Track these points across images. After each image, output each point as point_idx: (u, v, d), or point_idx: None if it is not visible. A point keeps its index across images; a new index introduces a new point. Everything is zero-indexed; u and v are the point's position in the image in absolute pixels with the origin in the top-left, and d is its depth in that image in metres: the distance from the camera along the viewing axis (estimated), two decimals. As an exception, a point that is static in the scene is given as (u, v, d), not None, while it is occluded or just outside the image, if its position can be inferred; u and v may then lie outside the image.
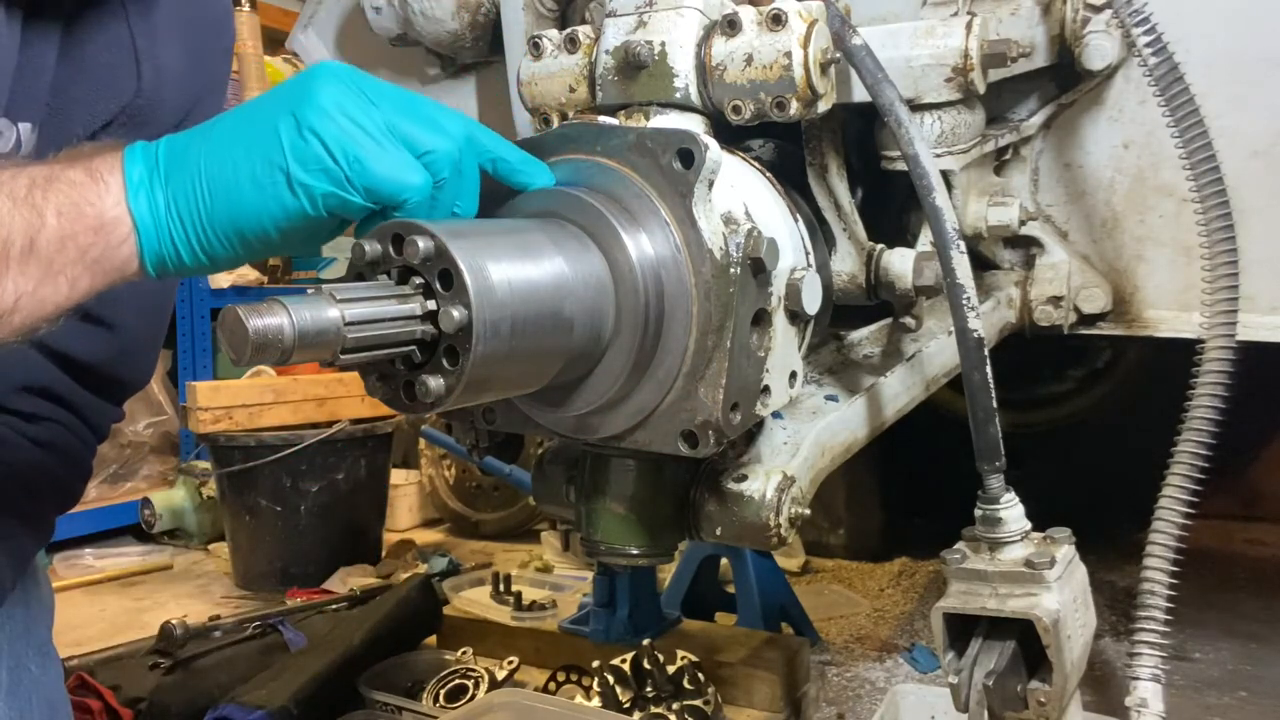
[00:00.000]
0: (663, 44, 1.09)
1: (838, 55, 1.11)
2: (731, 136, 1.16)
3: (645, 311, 0.88)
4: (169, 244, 0.85)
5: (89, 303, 1.19)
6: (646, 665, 1.70)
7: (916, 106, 1.29)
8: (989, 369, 1.12)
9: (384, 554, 2.99)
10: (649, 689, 1.71)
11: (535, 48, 1.22)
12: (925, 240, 1.33)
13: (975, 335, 1.11)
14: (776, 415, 1.11)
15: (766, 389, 0.96)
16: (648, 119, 1.10)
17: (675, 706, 1.68)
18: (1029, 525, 1.13)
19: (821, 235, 1.25)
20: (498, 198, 0.95)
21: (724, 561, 2.21)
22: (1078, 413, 2.95)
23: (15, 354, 1.14)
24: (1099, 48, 1.46)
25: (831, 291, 1.26)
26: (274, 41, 3.93)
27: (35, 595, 1.33)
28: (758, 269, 0.90)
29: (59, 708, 1.34)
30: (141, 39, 1.17)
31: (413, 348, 0.77)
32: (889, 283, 1.26)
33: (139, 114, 1.18)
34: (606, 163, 0.91)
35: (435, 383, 0.76)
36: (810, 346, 1.10)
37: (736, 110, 1.10)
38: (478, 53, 1.83)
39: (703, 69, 1.09)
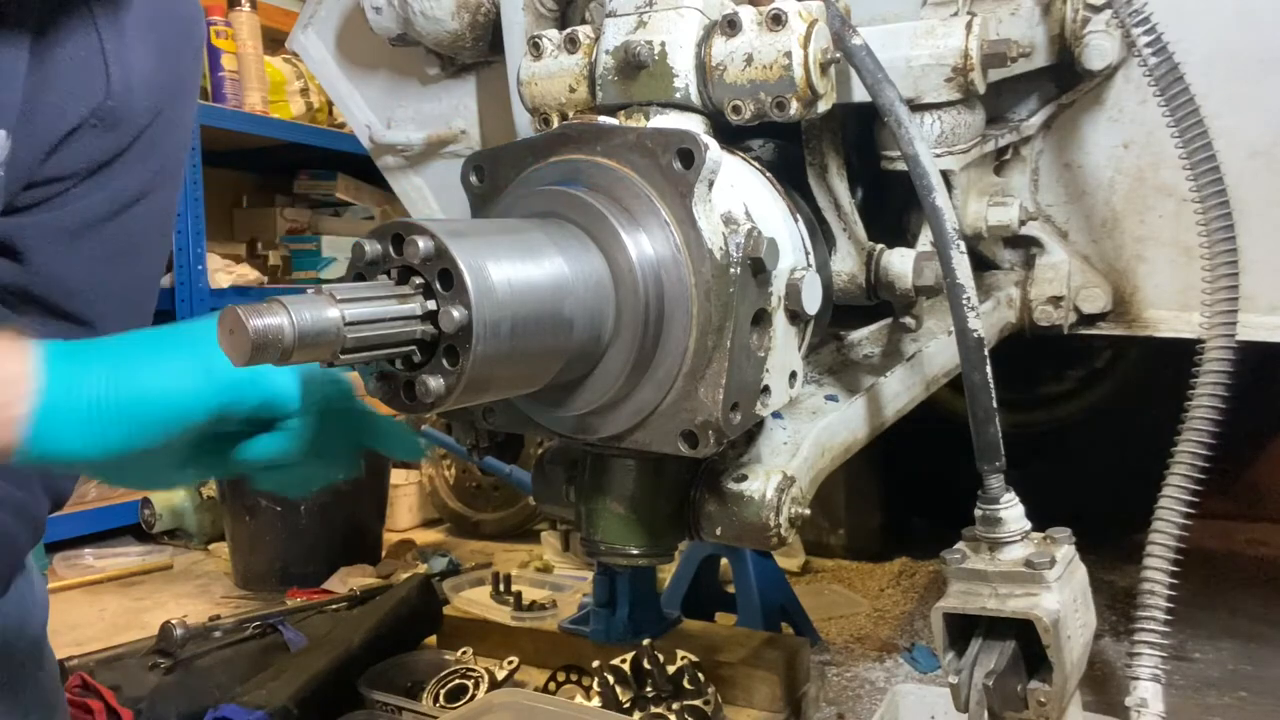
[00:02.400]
0: (663, 44, 1.09)
1: (838, 55, 1.11)
2: (731, 136, 1.15)
3: (645, 311, 0.88)
4: (64, 408, 0.83)
5: (67, 302, 1.19)
6: (646, 665, 1.70)
7: (916, 106, 1.29)
8: (989, 369, 1.12)
9: (384, 554, 2.99)
10: (649, 689, 1.71)
11: (535, 48, 1.22)
12: (925, 240, 1.33)
13: (975, 335, 1.11)
14: (776, 415, 1.11)
15: (766, 389, 0.96)
16: (648, 119, 1.10)
17: (675, 706, 1.68)
18: (1029, 525, 1.13)
19: (821, 235, 1.25)
20: (490, 199, 0.95)
21: (724, 561, 2.21)
22: (1078, 413, 2.95)
23: None
24: (1099, 48, 1.46)
25: (831, 291, 1.26)
26: (274, 41, 3.93)
27: (29, 593, 1.33)
28: (758, 269, 0.90)
29: (54, 706, 1.34)
30: (110, 41, 1.17)
31: (413, 348, 0.77)
32: (889, 283, 1.26)
33: (109, 116, 1.19)
34: (606, 163, 0.91)
35: (435, 383, 0.76)
36: (810, 346, 1.10)
37: (736, 110, 1.10)
38: (478, 53, 1.84)
39: (703, 69, 1.09)
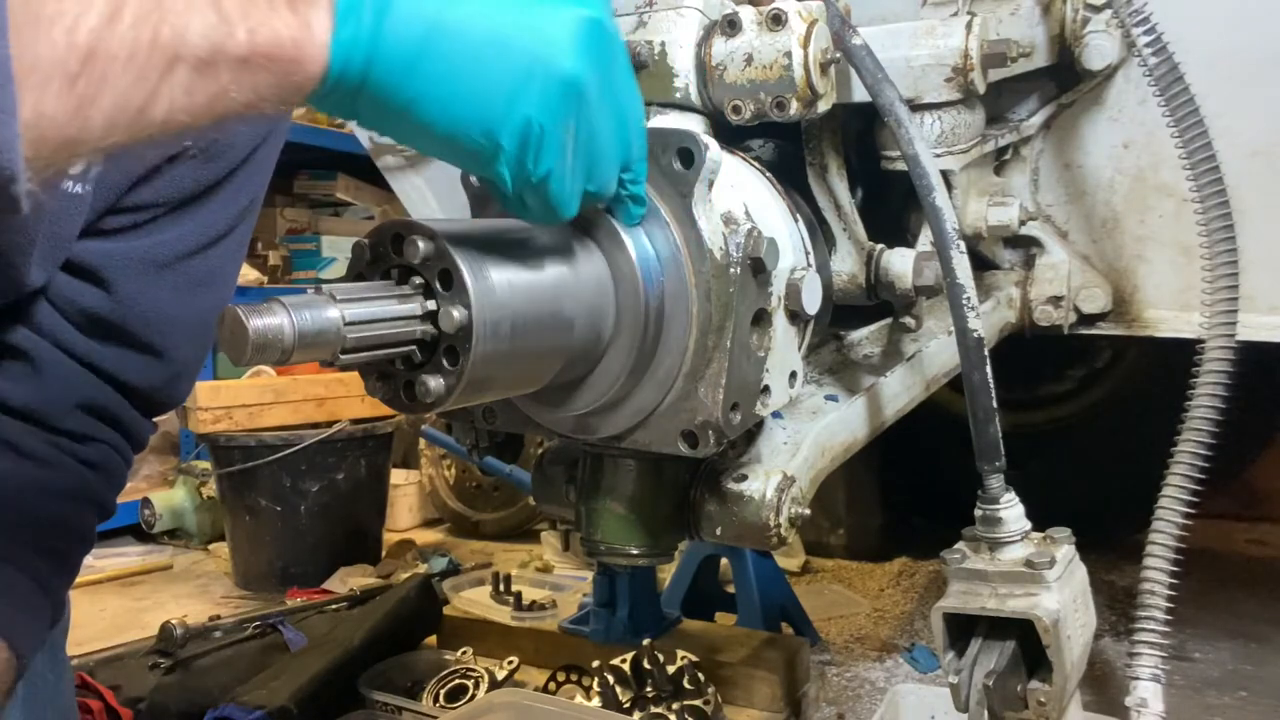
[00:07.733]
0: (663, 44, 1.09)
1: (838, 55, 1.11)
2: (731, 136, 1.16)
3: (645, 311, 0.88)
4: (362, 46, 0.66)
5: (144, 333, 1.16)
6: (646, 665, 1.70)
7: (916, 106, 1.29)
8: (989, 369, 1.12)
9: (384, 554, 2.99)
10: (649, 689, 1.71)
11: (535, 48, 1.22)
12: (925, 240, 1.33)
13: (975, 335, 1.11)
14: (776, 415, 1.11)
15: (766, 389, 0.96)
16: (648, 119, 1.10)
17: (675, 706, 1.68)
18: (1029, 525, 1.13)
19: (821, 235, 1.25)
20: (490, 199, 0.95)
21: (724, 561, 2.21)
22: (1078, 413, 2.95)
23: (75, 375, 1.13)
24: (1099, 48, 1.46)
25: (831, 291, 1.26)
26: (274, 41, 3.92)
27: None
28: (758, 269, 0.90)
29: (69, 716, 1.34)
30: None
31: (413, 348, 0.77)
32: (889, 283, 1.26)
33: (212, 146, 1.13)
34: (606, 163, 0.91)
35: (435, 383, 0.76)
36: (810, 346, 1.10)
37: (736, 110, 1.10)
38: (478, 53, 1.83)
39: (703, 69, 1.10)
